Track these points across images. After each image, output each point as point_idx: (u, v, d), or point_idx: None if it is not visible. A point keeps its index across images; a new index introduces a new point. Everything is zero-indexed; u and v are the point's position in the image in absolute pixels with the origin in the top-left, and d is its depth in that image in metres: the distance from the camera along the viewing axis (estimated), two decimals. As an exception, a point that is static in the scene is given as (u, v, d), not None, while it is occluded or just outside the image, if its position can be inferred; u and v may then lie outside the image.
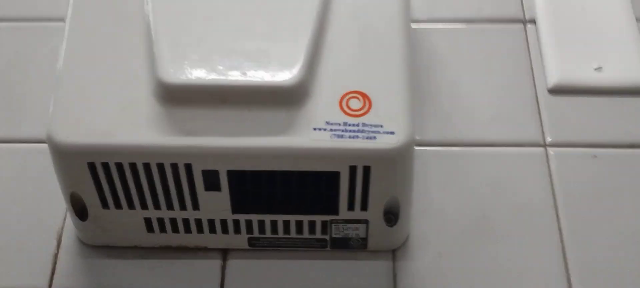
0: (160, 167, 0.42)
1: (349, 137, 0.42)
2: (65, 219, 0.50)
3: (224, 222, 0.46)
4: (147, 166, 0.42)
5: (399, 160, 0.42)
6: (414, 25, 0.57)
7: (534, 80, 0.55)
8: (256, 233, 0.47)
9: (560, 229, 0.49)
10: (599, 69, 0.54)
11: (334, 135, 0.42)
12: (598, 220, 0.49)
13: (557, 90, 0.54)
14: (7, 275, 0.48)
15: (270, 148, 0.42)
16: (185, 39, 0.44)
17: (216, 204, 0.45)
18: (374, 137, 0.42)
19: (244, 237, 0.47)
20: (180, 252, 0.48)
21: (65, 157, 0.42)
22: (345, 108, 0.43)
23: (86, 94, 0.43)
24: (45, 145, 0.52)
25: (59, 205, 0.50)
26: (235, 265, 0.48)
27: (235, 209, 0.45)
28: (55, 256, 0.49)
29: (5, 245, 0.49)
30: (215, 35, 0.44)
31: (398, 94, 0.43)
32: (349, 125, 0.42)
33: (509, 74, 0.56)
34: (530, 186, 0.51)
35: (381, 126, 0.42)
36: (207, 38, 0.44)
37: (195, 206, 0.45)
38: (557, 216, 0.49)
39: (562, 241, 0.48)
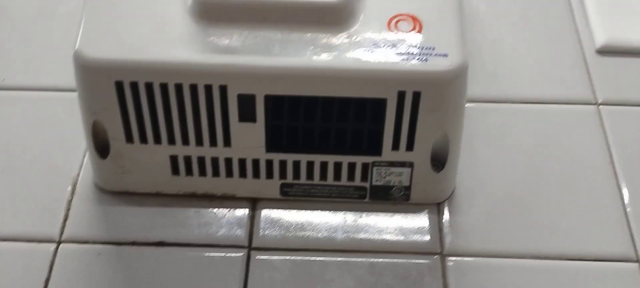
0: (193, 89, 0.40)
1: (399, 59, 0.40)
2: (81, 166, 0.47)
3: (255, 163, 0.43)
4: (178, 88, 0.40)
5: (452, 85, 0.39)
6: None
7: (580, 40, 0.53)
8: (289, 179, 0.44)
9: (619, 186, 0.46)
10: (648, 31, 0.53)
11: (382, 57, 0.40)
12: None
13: (606, 51, 0.52)
14: (17, 222, 0.44)
15: (312, 68, 0.39)
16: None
17: (250, 139, 0.42)
18: (426, 60, 0.39)
19: (276, 183, 0.44)
20: (206, 200, 0.45)
21: (92, 74, 0.40)
22: (394, 30, 0.40)
23: (118, 11, 0.41)
24: (63, 94, 0.51)
25: (76, 153, 0.48)
26: (265, 216, 0.45)
27: (270, 146, 0.42)
28: (69, 202, 0.45)
29: (17, 191, 0.46)
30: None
31: (450, 17, 0.41)
32: (399, 46, 0.40)
33: (553, 35, 0.54)
34: (584, 144, 0.48)
35: (433, 48, 0.40)
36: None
37: (227, 142, 0.42)
38: (615, 173, 0.46)
39: (621, 198, 0.45)
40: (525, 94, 0.51)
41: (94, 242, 0.44)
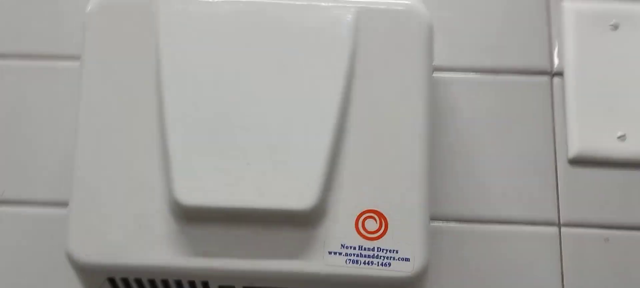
0: (179, 283, 0.45)
1: (364, 263, 0.43)
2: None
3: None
4: (165, 282, 0.45)
5: (413, 286, 0.44)
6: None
7: (554, 145, 0.55)
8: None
9: (566, 317, 0.51)
10: (622, 137, 0.54)
11: (349, 260, 0.43)
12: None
13: (578, 161, 0.54)
14: None
15: (285, 272, 0.43)
16: (201, 153, 0.44)
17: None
18: (389, 264, 0.43)
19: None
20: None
21: (86, 273, 0.44)
22: (361, 229, 0.44)
23: (102, 208, 0.44)
24: (55, 210, 0.54)
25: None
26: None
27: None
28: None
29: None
30: (232, 147, 0.44)
31: (415, 213, 0.44)
32: (365, 249, 0.44)
33: (531, 136, 0.55)
34: (540, 270, 0.52)
35: (396, 251, 0.43)
36: (224, 151, 0.44)
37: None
38: (565, 304, 0.52)
39: (568, 331, 0.51)
40: (492, 212, 0.54)
41: None
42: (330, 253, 0.44)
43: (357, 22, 0.46)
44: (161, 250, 0.44)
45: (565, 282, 0.52)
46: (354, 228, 0.44)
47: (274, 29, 0.46)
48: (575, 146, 0.55)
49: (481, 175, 0.55)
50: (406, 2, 0.46)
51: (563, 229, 0.53)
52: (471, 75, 0.58)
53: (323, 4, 0.46)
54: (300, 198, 0.43)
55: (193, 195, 0.43)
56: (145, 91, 0.45)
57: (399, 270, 0.43)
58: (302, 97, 0.45)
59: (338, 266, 0.43)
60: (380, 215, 0.44)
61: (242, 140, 0.44)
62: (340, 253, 0.44)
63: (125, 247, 0.44)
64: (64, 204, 0.51)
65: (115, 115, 0.45)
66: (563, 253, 0.53)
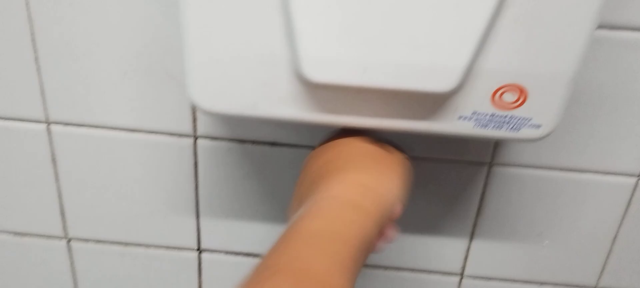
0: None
1: (493, 127, 0.43)
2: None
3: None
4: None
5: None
6: None
7: None
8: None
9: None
10: None
11: (478, 125, 0.43)
12: None
13: None
14: None
15: (413, 130, 0.43)
16: (331, 24, 0.38)
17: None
18: (518, 129, 0.43)
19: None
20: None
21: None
22: (497, 100, 0.42)
23: (223, 67, 0.41)
24: None
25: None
26: None
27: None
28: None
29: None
30: (366, 18, 0.38)
31: (556, 89, 0.41)
32: (497, 116, 0.42)
33: None
34: None
35: (530, 119, 0.42)
36: (356, 24, 0.38)
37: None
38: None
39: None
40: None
41: None
42: (460, 118, 0.43)
43: None
44: (287, 107, 0.43)
45: None
46: (490, 99, 0.42)
47: None
48: None
49: None
50: None
51: None
52: None
53: None
54: (440, 82, 0.40)
55: (322, 73, 0.40)
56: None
57: (527, 135, 0.43)
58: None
59: (465, 128, 0.43)
60: (521, 89, 0.41)
61: (379, 7, 0.37)
62: (470, 119, 0.43)
63: (252, 104, 0.42)
64: None
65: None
66: None
